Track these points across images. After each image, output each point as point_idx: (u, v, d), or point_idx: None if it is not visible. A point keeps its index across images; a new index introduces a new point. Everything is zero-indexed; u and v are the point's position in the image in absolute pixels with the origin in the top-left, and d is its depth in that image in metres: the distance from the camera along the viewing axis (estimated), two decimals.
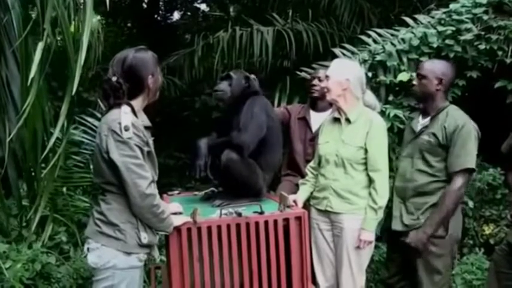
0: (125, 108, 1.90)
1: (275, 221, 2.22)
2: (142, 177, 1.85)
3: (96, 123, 3.56)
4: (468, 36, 3.50)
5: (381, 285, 2.84)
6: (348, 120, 2.54)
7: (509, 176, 2.41)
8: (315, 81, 3.14)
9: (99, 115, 3.67)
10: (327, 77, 2.58)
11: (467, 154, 2.41)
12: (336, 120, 2.60)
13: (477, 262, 3.27)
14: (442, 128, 2.46)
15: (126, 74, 1.95)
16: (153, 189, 1.90)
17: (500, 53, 3.52)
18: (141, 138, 1.89)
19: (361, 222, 2.45)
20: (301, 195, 2.63)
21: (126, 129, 1.83)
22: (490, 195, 3.65)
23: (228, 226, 2.17)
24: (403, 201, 2.57)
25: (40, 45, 2.37)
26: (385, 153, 2.50)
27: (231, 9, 8.18)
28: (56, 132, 2.59)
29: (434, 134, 2.48)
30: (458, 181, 2.41)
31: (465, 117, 2.48)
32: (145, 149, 1.91)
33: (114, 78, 1.93)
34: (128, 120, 1.85)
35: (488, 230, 3.57)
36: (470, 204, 3.59)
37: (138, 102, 1.98)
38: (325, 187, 2.54)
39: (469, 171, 2.43)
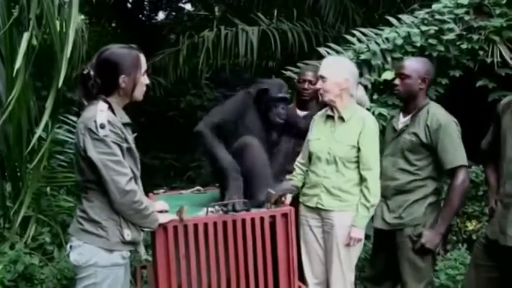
0: (101, 106, 1.88)
1: (262, 218, 2.22)
2: (121, 173, 1.84)
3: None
4: (450, 36, 3.56)
5: (366, 282, 2.86)
6: (341, 119, 2.53)
7: (488, 171, 2.45)
8: (306, 85, 3.08)
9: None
10: (322, 78, 2.52)
11: (458, 151, 2.43)
12: (329, 117, 2.59)
13: (460, 258, 3.31)
14: (424, 127, 2.46)
15: (99, 68, 1.93)
16: (134, 186, 1.89)
17: (481, 52, 3.59)
18: (119, 135, 1.88)
19: (351, 219, 2.46)
20: None
21: (102, 127, 1.83)
22: (472, 192, 3.70)
23: (215, 224, 2.17)
24: (384, 200, 2.57)
25: (25, 36, 2.34)
26: (377, 152, 2.51)
27: (216, 9, 8.17)
28: (41, 127, 2.56)
29: (415, 134, 2.48)
30: (460, 176, 2.41)
31: (447, 115, 2.50)
32: (124, 145, 1.90)
33: (85, 71, 1.92)
34: (103, 117, 1.84)
35: (471, 226, 3.63)
36: None
37: (114, 100, 1.95)
38: (316, 184, 2.55)
39: (464, 166, 2.44)
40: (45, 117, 2.53)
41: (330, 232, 2.51)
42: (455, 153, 2.42)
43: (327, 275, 2.56)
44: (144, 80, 2.02)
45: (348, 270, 2.52)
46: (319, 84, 2.56)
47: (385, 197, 2.57)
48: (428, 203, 2.51)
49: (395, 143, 2.57)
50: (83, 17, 7.43)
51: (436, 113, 2.47)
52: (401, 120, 2.60)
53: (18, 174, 2.90)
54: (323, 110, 2.68)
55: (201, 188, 2.82)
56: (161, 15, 8.89)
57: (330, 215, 2.51)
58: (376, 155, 2.50)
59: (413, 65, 2.56)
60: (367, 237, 3.77)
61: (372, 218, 2.68)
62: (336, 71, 2.51)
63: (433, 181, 2.53)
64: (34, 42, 2.87)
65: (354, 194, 2.48)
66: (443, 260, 3.43)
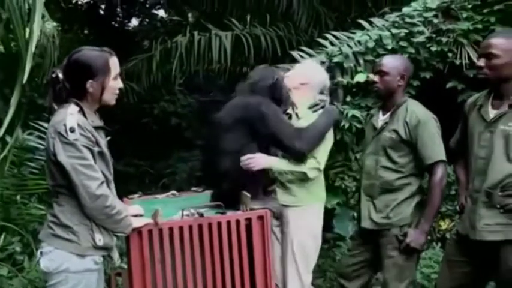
0: (72, 109, 1.84)
1: (237, 221, 2.20)
2: (91, 178, 1.81)
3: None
4: (420, 38, 3.64)
5: (340, 278, 2.84)
6: (297, 115, 2.57)
7: (457, 169, 2.50)
8: None
9: None
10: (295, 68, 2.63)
11: (437, 146, 2.45)
12: (289, 115, 2.61)
13: (435, 256, 3.36)
14: (403, 124, 2.47)
15: (67, 71, 1.89)
16: (105, 190, 1.85)
17: (450, 54, 3.68)
18: (89, 139, 1.84)
19: (306, 217, 2.46)
20: None
21: (72, 130, 1.79)
22: (445, 192, 3.75)
23: (190, 227, 2.14)
24: (371, 199, 2.57)
25: None
26: (326, 146, 2.51)
27: (190, 16, 8.16)
28: (5, 125, 2.49)
29: (395, 131, 2.48)
30: (438, 173, 2.43)
31: (426, 111, 2.51)
32: (95, 149, 1.87)
33: (54, 74, 1.89)
34: (73, 121, 1.80)
35: (444, 225, 3.68)
36: None
37: (84, 103, 1.91)
38: (274, 179, 2.56)
39: (443, 161, 2.46)
40: (10, 115, 2.46)
41: (285, 231, 2.50)
42: (433, 148, 2.43)
43: (283, 275, 2.53)
44: (116, 84, 1.96)
45: (305, 271, 2.49)
46: (288, 72, 2.64)
47: (371, 196, 2.56)
48: (416, 203, 2.51)
49: (376, 141, 2.56)
50: (54, 23, 7.33)
51: (415, 110, 2.48)
52: (381, 118, 2.59)
53: None
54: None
55: (176, 193, 2.80)
56: (135, 22, 8.84)
57: (285, 211, 2.50)
58: (324, 149, 2.49)
59: (392, 62, 2.58)
60: (342, 238, 3.82)
61: (358, 220, 2.70)
62: (306, 68, 2.62)
63: (416, 178, 2.53)
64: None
65: (308, 191, 2.48)
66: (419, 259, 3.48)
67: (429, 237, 3.70)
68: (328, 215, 3.83)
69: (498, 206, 2.10)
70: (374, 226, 2.55)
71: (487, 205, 2.13)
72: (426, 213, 2.45)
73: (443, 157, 2.44)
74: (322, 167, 2.51)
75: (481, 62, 2.15)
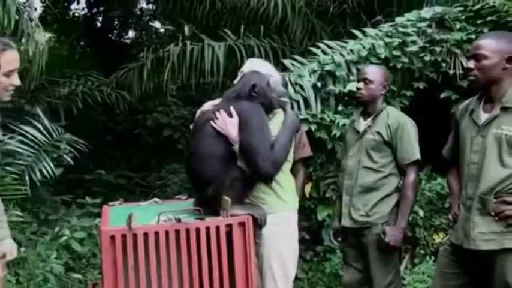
0: None
1: (217, 227, 2.10)
2: None
3: (34, 132, 3.36)
4: (414, 48, 3.61)
5: None
6: None
7: (450, 177, 2.44)
8: None
9: (39, 125, 3.50)
10: None
11: (414, 147, 2.61)
12: None
13: (428, 271, 3.27)
14: (386, 126, 2.63)
15: None
16: None
17: (444, 64, 3.64)
18: None
19: (279, 225, 2.34)
20: None
21: None
22: (439, 205, 3.70)
23: (167, 232, 2.04)
24: (350, 198, 2.67)
25: None
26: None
27: (186, 29, 8.16)
28: None
29: (378, 133, 2.63)
30: (412, 173, 2.60)
31: (405, 116, 2.71)
32: None
33: None
34: None
35: (438, 238, 3.61)
36: (421, 213, 3.62)
37: None
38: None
39: (417, 162, 2.62)
40: None
41: (258, 242, 2.36)
42: (409, 149, 2.60)
43: None
44: (9, 80, 1.79)
45: (284, 284, 2.37)
46: None
47: (351, 195, 2.67)
48: (395, 202, 2.62)
49: (359, 143, 2.70)
50: (49, 34, 7.33)
51: (395, 115, 2.69)
52: (363, 123, 2.73)
53: None
54: None
55: (159, 200, 2.71)
56: (131, 34, 8.87)
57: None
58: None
59: (376, 71, 2.78)
60: (332, 251, 3.71)
61: (339, 219, 2.73)
62: (251, 66, 2.53)
63: (395, 178, 2.65)
64: None
65: (278, 197, 2.38)
66: (412, 273, 3.37)
67: (422, 251, 3.61)
68: (319, 227, 3.73)
69: (492, 213, 2.00)
70: (354, 224, 2.65)
71: (481, 212, 2.04)
72: (402, 210, 2.59)
73: (418, 157, 2.61)
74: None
75: (471, 64, 2.08)
